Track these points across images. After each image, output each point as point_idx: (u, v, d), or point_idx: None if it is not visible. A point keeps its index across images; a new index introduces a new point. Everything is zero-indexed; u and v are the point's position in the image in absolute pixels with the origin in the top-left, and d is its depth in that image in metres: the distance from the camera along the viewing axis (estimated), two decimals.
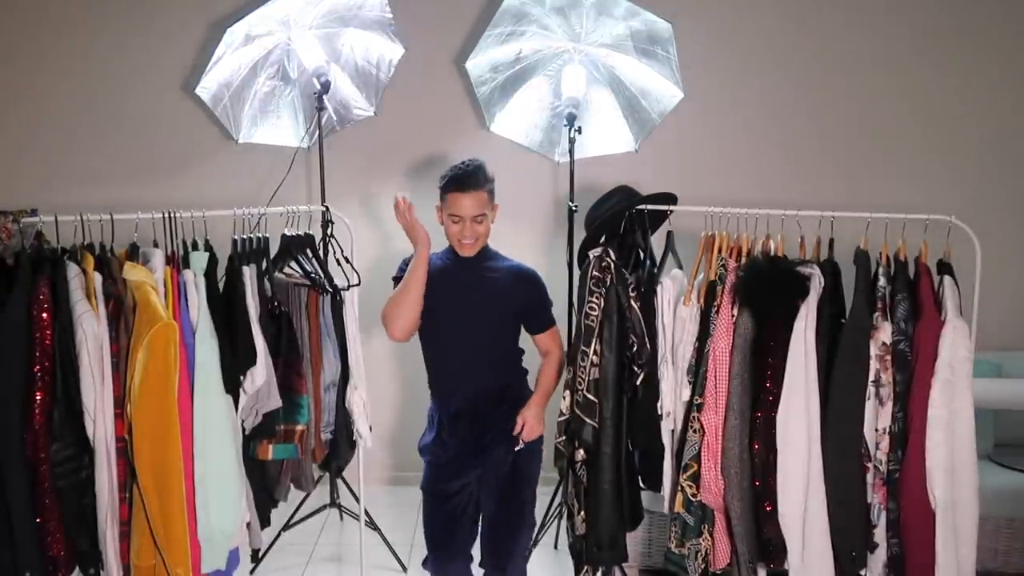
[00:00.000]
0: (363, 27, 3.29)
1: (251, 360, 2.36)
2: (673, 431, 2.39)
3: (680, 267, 2.47)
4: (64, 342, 2.10)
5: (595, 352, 2.29)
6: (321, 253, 2.86)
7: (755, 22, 3.64)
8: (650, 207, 2.41)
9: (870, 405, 2.20)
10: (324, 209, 2.94)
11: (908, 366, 2.19)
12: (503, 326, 2.43)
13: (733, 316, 2.24)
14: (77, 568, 2.23)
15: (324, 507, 3.47)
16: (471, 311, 2.39)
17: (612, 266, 2.29)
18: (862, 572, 2.27)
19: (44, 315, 2.10)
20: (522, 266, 2.46)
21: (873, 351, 2.18)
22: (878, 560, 2.25)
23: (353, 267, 2.77)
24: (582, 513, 2.39)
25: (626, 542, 2.40)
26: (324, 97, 3.20)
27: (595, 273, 2.30)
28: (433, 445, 2.45)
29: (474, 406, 2.41)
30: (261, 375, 2.38)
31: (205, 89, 3.25)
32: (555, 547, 3.35)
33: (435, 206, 2.42)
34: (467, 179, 2.32)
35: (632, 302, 2.29)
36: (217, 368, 2.26)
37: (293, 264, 2.71)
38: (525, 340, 2.52)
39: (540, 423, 2.37)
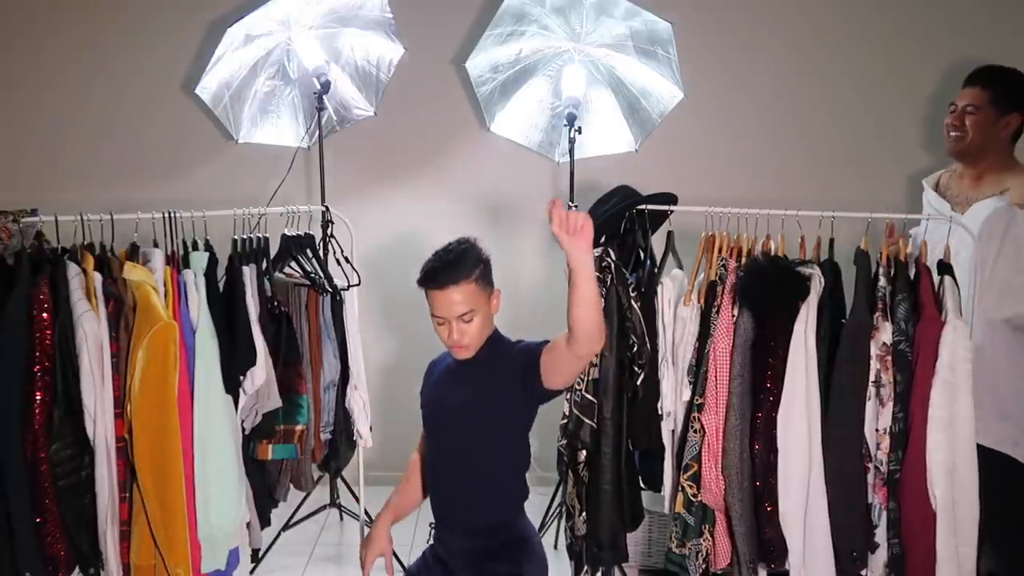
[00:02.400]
0: (363, 27, 3.29)
1: (251, 360, 2.36)
2: (673, 431, 2.39)
3: (680, 267, 2.47)
4: (64, 342, 2.10)
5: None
6: (321, 253, 2.85)
7: (755, 22, 3.64)
8: (650, 207, 2.41)
9: (871, 405, 2.20)
10: (324, 209, 2.94)
11: (908, 366, 2.19)
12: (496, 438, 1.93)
13: (733, 316, 2.24)
14: (77, 568, 2.23)
15: (324, 507, 3.46)
16: (442, 407, 1.97)
17: (612, 266, 2.29)
18: (863, 572, 2.27)
19: (44, 315, 2.10)
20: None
21: (874, 351, 2.18)
22: (879, 560, 2.25)
23: (353, 267, 2.77)
24: (583, 514, 2.39)
25: (626, 542, 2.40)
26: (324, 97, 3.20)
27: (595, 273, 2.29)
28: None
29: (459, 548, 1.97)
30: (261, 375, 2.38)
31: (205, 89, 3.25)
32: (555, 547, 3.35)
33: None
34: (443, 272, 1.81)
35: (632, 302, 2.29)
36: (217, 368, 2.26)
37: (293, 264, 2.71)
38: None
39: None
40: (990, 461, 2.26)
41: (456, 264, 1.83)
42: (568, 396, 2.34)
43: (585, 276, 1.65)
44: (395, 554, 3.23)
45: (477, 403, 1.89)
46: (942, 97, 3.63)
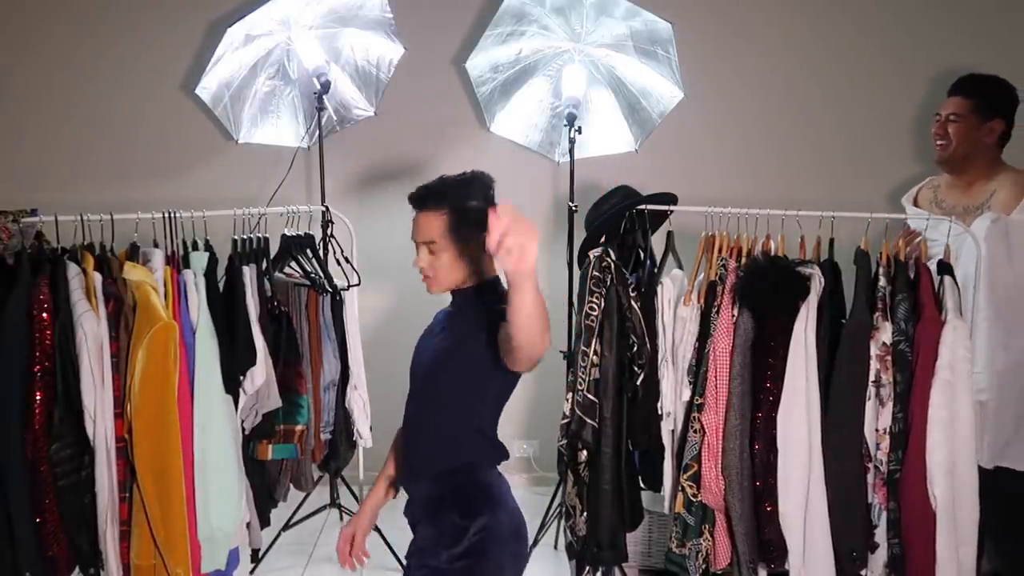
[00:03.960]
0: (363, 27, 3.29)
1: (251, 360, 2.36)
2: (673, 431, 2.39)
3: (680, 267, 2.47)
4: (64, 342, 2.10)
5: (595, 352, 2.29)
6: (321, 253, 2.85)
7: (755, 22, 3.64)
8: (650, 207, 2.41)
9: (870, 405, 2.20)
10: (324, 209, 2.94)
11: (908, 366, 2.19)
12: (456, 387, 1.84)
13: (733, 316, 2.24)
14: (77, 568, 2.23)
15: (324, 507, 3.46)
16: (423, 356, 1.94)
17: (612, 266, 2.29)
18: (863, 572, 2.27)
19: (44, 315, 2.10)
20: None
21: (873, 351, 2.18)
22: (879, 560, 2.25)
23: (353, 267, 2.77)
24: (584, 514, 2.39)
25: (626, 542, 2.40)
26: (324, 97, 3.20)
27: (595, 273, 2.29)
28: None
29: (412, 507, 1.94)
30: (261, 375, 2.38)
31: (205, 89, 3.25)
32: (555, 547, 3.35)
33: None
34: (419, 193, 1.81)
35: (632, 302, 2.29)
36: (217, 368, 2.26)
37: (293, 264, 2.71)
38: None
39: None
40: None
41: (434, 192, 1.79)
42: (569, 396, 2.34)
43: (517, 287, 1.52)
44: (395, 554, 3.24)
45: (452, 348, 1.84)
46: (943, 96, 3.65)
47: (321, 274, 2.70)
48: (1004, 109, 2.61)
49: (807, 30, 3.64)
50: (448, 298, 1.91)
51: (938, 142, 2.63)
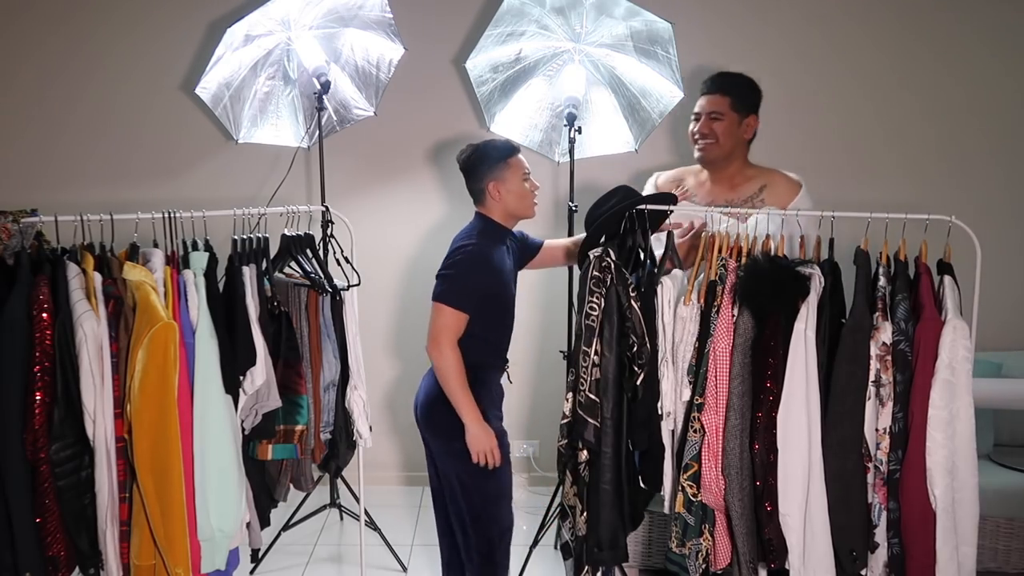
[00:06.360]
0: (363, 27, 3.29)
1: (251, 360, 2.35)
2: (673, 431, 2.38)
3: (680, 267, 2.47)
4: (64, 342, 2.10)
5: (596, 352, 2.29)
6: (321, 253, 2.85)
7: (755, 22, 3.64)
8: (650, 207, 2.41)
9: (870, 405, 2.20)
10: (324, 209, 2.94)
11: (908, 366, 2.18)
12: None
13: (733, 316, 2.24)
14: (77, 568, 2.23)
15: (324, 507, 3.47)
16: (515, 281, 2.58)
17: (612, 266, 2.29)
18: (863, 572, 2.27)
19: (44, 315, 2.10)
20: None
21: (873, 351, 2.18)
22: (879, 560, 2.25)
23: (353, 267, 2.77)
24: (584, 514, 2.39)
25: (626, 542, 2.40)
26: (324, 97, 3.20)
27: (595, 273, 2.29)
28: (498, 421, 2.52)
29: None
30: (261, 375, 2.38)
31: (205, 89, 3.25)
32: (555, 547, 3.35)
33: (488, 185, 2.47)
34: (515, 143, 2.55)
35: (632, 302, 2.29)
36: (217, 368, 2.26)
37: (293, 264, 2.71)
38: None
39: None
40: None
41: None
42: (569, 396, 2.34)
43: None
44: (395, 554, 3.24)
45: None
46: (945, 96, 3.65)
47: (321, 274, 2.70)
48: (756, 106, 2.69)
49: (807, 29, 3.64)
50: None
51: (702, 141, 2.67)
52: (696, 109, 2.72)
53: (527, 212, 2.55)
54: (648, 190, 2.80)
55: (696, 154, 2.72)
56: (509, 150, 2.47)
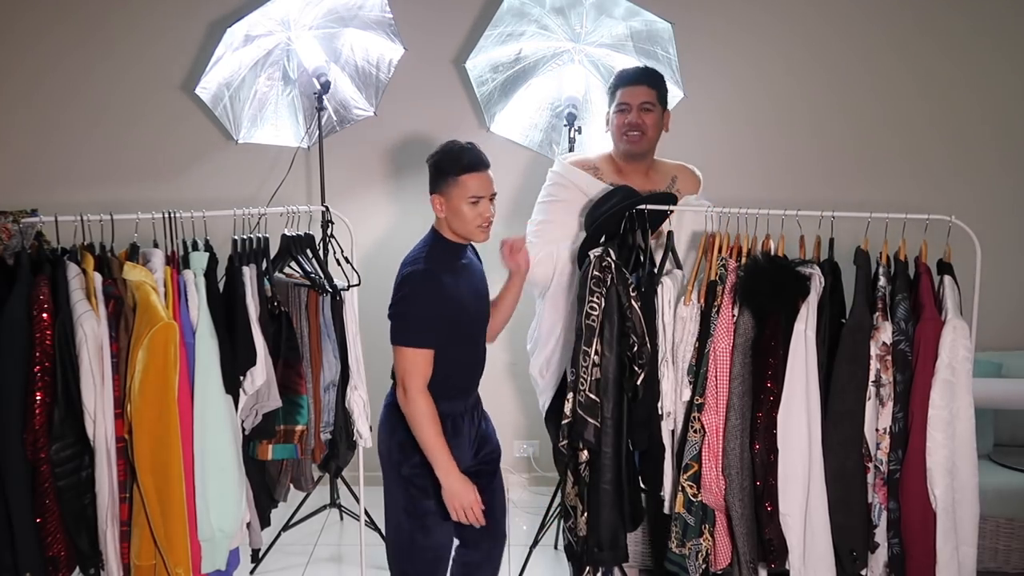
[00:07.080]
0: (363, 27, 3.29)
1: (251, 360, 2.35)
2: (673, 431, 2.39)
3: (680, 267, 2.47)
4: (64, 342, 2.10)
5: (596, 352, 2.29)
6: (321, 253, 2.85)
7: (755, 22, 3.64)
8: (650, 207, 2.41)
9: (870, 405, 2.20)
10: (324, 209, 2.94)
11: (908, 366, 2.19)
12: None
13: (734, 316, 2.24)
14: (77, 568, 2.23)
15: (324, 507, 3.47)
16: (484, 303, 2.41)
17: (612, 266, 2.29)
18: (863, 572, 2.27)
19: (44, 315, 2.10)
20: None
21: (873, 351, 2.18)
22: (879, 560, 2.25)
23: (353, 267, 2.77)
24: (584, 514, 2.39)
25: (626, 542, 2.40)
26: (324, 97, 3.20)
27: (595, 273, 2.29)
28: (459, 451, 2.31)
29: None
30: (261, 375, 2.38)
31: (205, 89, 3.25)
32: (555, 547, 3.35)
33: (432, 196, 2.27)
34: (480, 157, 2.21)
35: (632, 302, 2.29)
36: (217, 368, 2.26)
37: (293, 264, 2.71)
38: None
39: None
40: None
41: (481, 152, 2.23)
42: (570, 396, 2.34)
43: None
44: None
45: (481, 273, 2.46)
46: (947, 96, 3.65)
47: (321, 274, 2.70)
48: (666, 100, 2.71)
49: (807, 29, 3.64)
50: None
51: (632, 133, 2.64)
52: (624, 100, 2.63)
53: (472, 236, 2.26)
54: (556, 169, 2.74)
55: (624, 147, 2.66)
56: (463, 167, 2.17)
